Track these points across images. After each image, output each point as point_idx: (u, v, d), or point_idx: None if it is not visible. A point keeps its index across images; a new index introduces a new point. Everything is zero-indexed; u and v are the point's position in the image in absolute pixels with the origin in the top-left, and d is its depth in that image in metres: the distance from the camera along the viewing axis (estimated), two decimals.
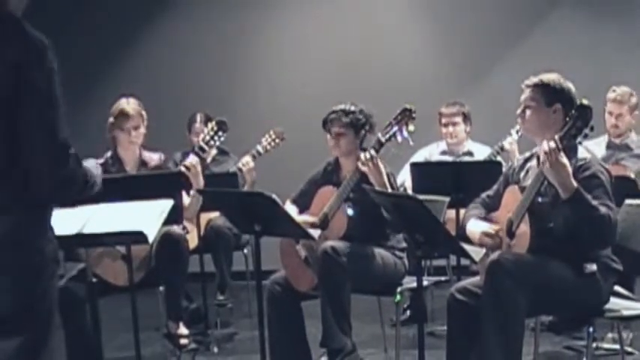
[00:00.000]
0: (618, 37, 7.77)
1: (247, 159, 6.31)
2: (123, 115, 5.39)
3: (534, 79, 4.13)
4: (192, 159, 5.34)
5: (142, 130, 5.48)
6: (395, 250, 4.91)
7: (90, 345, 4.25)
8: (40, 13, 2.97)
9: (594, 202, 3.76)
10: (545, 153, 3.74)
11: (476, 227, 4.21)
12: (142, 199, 3.95)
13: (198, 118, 6.75)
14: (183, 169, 5.28)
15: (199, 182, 5.33)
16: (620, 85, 6.04)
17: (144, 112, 5.48)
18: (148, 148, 5.63)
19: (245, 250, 6.61)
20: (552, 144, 3.73)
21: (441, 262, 6.44)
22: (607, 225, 3.78)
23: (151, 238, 3.78)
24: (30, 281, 2.81)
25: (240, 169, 6.24)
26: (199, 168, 5.37)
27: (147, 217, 3.80)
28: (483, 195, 4.44)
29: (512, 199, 4.09)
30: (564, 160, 3.74)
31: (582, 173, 3.89)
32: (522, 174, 4.25)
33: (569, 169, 3.76)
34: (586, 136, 3.78)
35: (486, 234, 4.12)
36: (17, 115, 2.74)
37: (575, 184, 3.75)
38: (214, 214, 6.11)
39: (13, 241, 2.78)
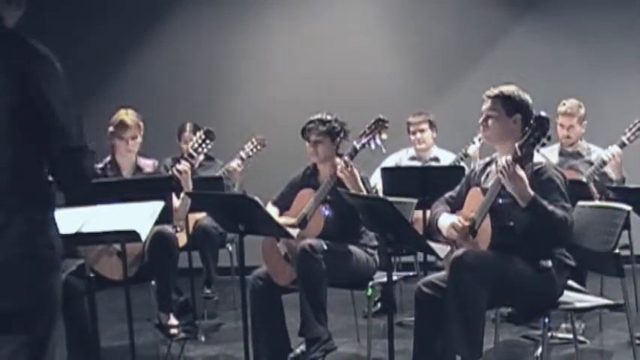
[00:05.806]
0: (576, 53, 7.82)
1: (238, 162, 6.31)
2: (122, 125, 5.41)
3: (495, 91, 4.12)
4: (183, 165, 5.33)
5: (139, 139, 5.50)
6: (367, 247, 4.91)
7: (87, 335, 4.23)
8: (39, 29, 2.92)
9: (550, 208, 3.78)
10: (503, 169, 3.76)
11: (447, 220, 4.18)
12: (135, 200, 3.94)
13: (188, 127, 6.75)
14: (176, 172, 5.29)
15: (189, 186, 5.34)
16: (571, 98, 6.04)
17: (141, 123, 5.50)
18: (143, 155, 5.64)
19: (230, 248, 6.58)
20: (509, 158, 3.75)
21: (409, 258, 6.44)
22: (563, 227, 3.81)
23: (143, 237, 3.76)
24: (41, 277, 2.74)
25: (228, 171, 6.24)
26: (190, 173, 5.37)
27: (140, 217, 3.78)
28: (446, 195, 4.42)
29: (475, 200, 4.10)
30: (520, 172, 3.76)
31: (539, 177, 3.90)
32: (483, 177, 4.25)
33: (526, 181, 3.78)
34: (544, 145, 3.80)
35: (454, 226, 4.10)
36: (29, 124, 2.68)
37: (531, 193, 3.77)
38: (201, 215, 6.10)
39: (28, 238, 2.70)
